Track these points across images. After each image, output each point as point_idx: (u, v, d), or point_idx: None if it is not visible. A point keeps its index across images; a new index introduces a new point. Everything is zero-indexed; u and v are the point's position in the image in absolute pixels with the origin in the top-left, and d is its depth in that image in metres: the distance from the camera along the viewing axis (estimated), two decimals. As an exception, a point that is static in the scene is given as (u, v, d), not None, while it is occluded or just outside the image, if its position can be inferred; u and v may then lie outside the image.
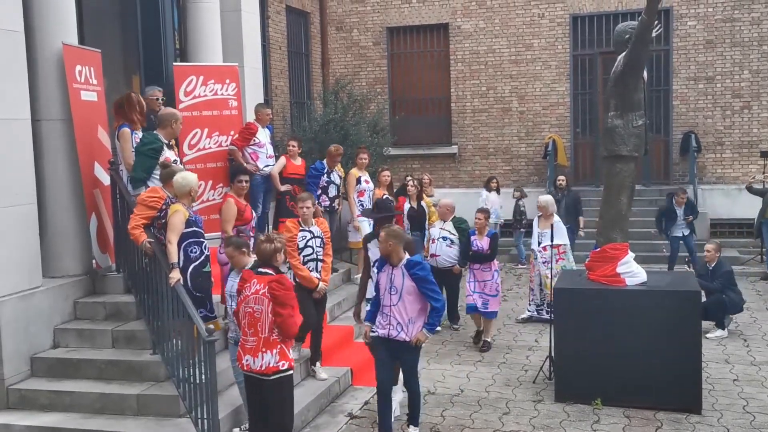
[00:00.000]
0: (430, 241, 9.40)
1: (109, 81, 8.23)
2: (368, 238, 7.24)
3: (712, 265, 9.25)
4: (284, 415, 5.40)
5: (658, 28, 6.98)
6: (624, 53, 7.03)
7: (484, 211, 9.12)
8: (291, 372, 5.43)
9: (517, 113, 15.91)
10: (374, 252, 6.79)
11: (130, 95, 7.52)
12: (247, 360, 5.31)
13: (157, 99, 8.18)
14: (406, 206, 10.41)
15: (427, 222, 10.77)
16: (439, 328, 8.68)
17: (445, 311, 9.18)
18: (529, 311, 10.03)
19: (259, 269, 5.44)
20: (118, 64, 10.02)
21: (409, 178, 11.18)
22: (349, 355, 8.13)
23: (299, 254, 7.21)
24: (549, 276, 9.59)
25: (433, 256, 9.25)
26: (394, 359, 6.16)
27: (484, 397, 7.24)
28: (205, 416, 5.60)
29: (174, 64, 9.30)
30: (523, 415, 6.75)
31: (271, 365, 5.24)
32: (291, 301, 5.33)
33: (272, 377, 5.27)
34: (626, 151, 7.17)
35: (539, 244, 9.78)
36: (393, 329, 6.02)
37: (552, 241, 8.96)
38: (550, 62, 15.67)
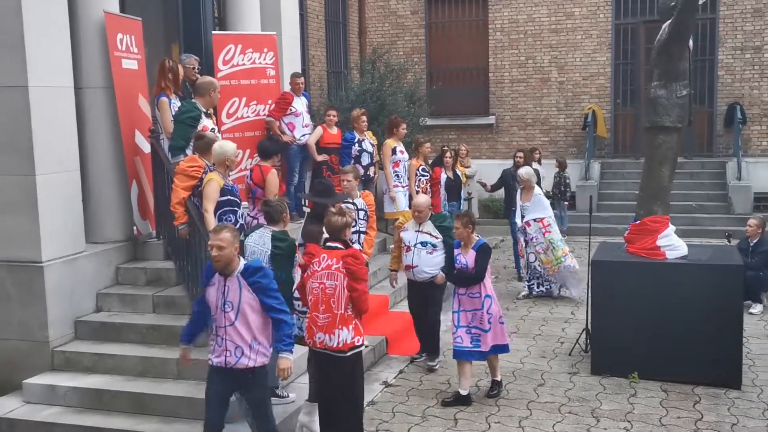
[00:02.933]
0: (405, 250, 7.13)
1: (149, 49, 8.29)
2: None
3: (754, 241, 9.07)
4: (357, 390, 5.36)
5: (705, -5, 6.81)
6: (669, 21, 6.87)
7: (463, 217, 6.57)
8: (364, 347, 5.33)
9: (557, 83, 15.68)
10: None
11: (164, 61, 7.58)
12: (320, 337, 5.18)
13: (194, 68, 8.22)
14: (443, 177, 10.37)
15: (462, 190, 10.73)
16: (404, 369, 7.26)
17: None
18: (529, 287, 9.78)
19: (328, 243, 5.32)
20: (158, 32, 10.07)
21: (445, 148, 11.12)
22: (384, 324, 8.17)
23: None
24: (541, 251, 9.48)
25: (408, 268, 7.12)
26: (230, 394, 5.00)
27: (519, 368, 7.24)
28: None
29: (213, 32, 9.32)
30: (558, 387, 6.75)
31: (348, 342, 5.14)
32: (365, 275, 5.20)
33: (348, 353, 5.17)
34: (669, 122, 7.04)
35: (522, 218, 9.61)
36: (231, 355, 4.78)
37: (533, 214, 9.14)
38: (591, 31, 15.38)
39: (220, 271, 4.78)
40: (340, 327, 5.14)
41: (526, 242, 9.62)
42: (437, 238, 7.00)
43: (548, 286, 9.73)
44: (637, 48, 15.20)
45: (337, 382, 5.28)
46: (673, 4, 6.89)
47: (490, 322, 6.40)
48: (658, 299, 6.74)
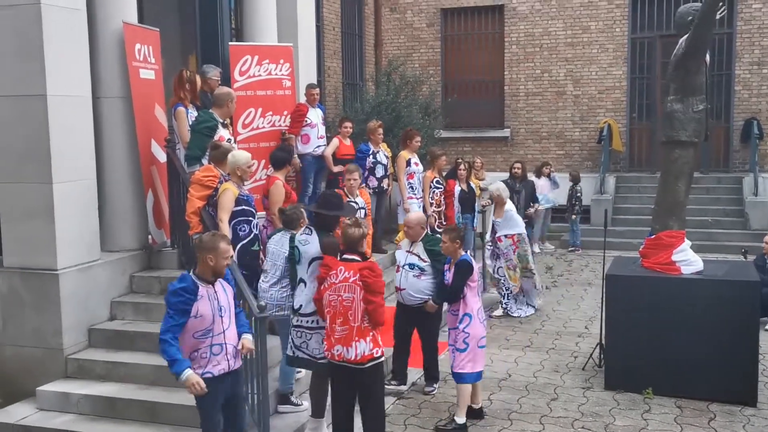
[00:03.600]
0: (396, 269, 6.87)
1: (166, 60, 8.37)
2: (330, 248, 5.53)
3: (771, 258, 9.00)
4: (378, 401, 5.34)
5: (722, 10, 6.78)
6: (686, 35, 6.84)
7: (451, 231, 6.32)
8: (383, 358, 5.31)
9: (572, 97, 15.67)
10: (308, 249, 5.67)
11: (182, 72, 7.66)
12: (338, 350, 5.17)
13: (217, 80, 8.29)
14: (457, 189, 10.37)
15: (476, 203, 10.74)
16: (404, 389, 6.98)
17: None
18: (503, 307, 9.52)
19: (345, 256, 5.29)
20: (175, 43, 10.17)
21: (459, 160, 11.14)
22: (398, 336, 8.14)
23: None
24: (511, 267, 9.37)
25: (397, 289, 6.80)
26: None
27: (532, 382, 7.19)
28: (255, 391, 5.68)
29: (230, 43, 9.39)
30: (572, 401, 6.70)
31: (366, 354, 5.13)
32: (382, 288, 5.20)
33: (367, 365, 5.17)
34: (685, 137, 7.00)
35: (495, 233, 9.48)
36: (231, 358, 4.88)
37: (505, 230, 9.06)
38: (607, 45, 15.37)
39: (210, 281, 4.83)
40: (357, 339, 5.13)
41: (497, 256, 9.47)
42: (425, 261, 6.59)
43: (510, 306, 9.50)
44: (654, 62, 15.18)
45: (358, 394, 5.27)
46: (690, 18, 6.87)
47: (466, 342, 6.04)
48: (673, 314, 6.68)
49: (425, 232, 6.77)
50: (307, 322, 5.62)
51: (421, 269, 6.61)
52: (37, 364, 6.73)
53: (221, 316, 4.84)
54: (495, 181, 9.96)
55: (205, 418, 4.93)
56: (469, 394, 6.15)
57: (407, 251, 6.71)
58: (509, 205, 9.52)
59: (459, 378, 6.11)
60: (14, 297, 6.77)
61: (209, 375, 4.81)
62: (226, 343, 4.86)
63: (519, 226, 9.50)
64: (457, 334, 6.10)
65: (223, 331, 4.84)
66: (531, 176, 13.45)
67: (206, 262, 4.79)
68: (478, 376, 6.18)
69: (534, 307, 9.65)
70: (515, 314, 9.45)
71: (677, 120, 6.98)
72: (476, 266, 6.22)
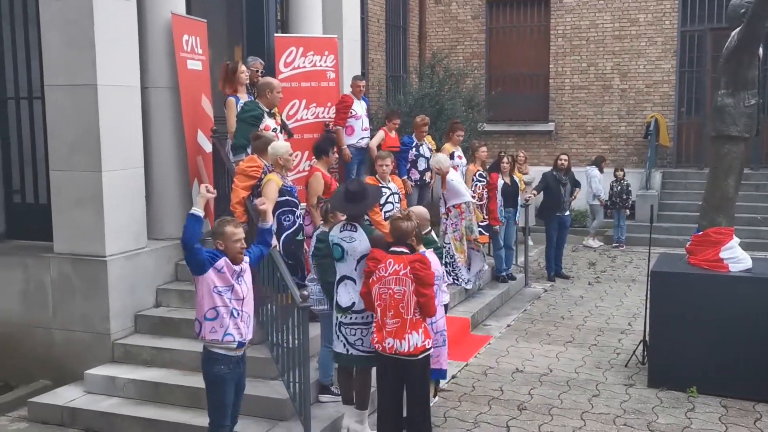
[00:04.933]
0: None
1: (213, 51, 8.47)
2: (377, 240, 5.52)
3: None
4: (426, 391, 5.39)
5: (777, 2, 6.60)
6: (739, 29, 6.69)
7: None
8: (433, 349, 5.38)
9: (619, 91, 15.44)
10: (355, 246, 5.55)
11: (224, 63, 7.77)
12: (389, 342, 5.17)
13: (258, 71, 8.36)
14: (500, 182, 10.30)
15: (519, 197, 10.68)
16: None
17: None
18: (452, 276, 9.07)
19: (393, 248, 5.26)
20: (221, 34, 10.26)
21: (502, 153, 11.07)
22: (438, 328, 8.13)
23: (381, 210, 7.30)
24: (457, 239, 9.02)
25: None
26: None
27: (574, 378, 7.13)
28: (297, 380, 5.73)
29: (275, 35, 9.46)
30: (614, 398, 6.63)
31: (418, 345, 5.15)
32: (432, 280, 5.20)
33: (419, 357, 5.20)
34: (736, 132, 6.85)
35: (445, 204, 9.10)
36: (248, 328, 5.07)
37: (452, 201, 8.88)
38: (656, 38, 15.10)
39: (234, 261, 4.95)
40: (410, 332, 5.13)
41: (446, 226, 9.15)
42: None
43: (460, 278, 9.18)
44: (704, 55, 14.85)
45: (409, 385, 5.29)
46: (743, 11, 6.72)
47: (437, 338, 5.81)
48: (719, 312, 6.56)
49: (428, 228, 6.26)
50: (362, 318, 5.53)
51: None
52: (86, 349, 6.89)
53: (239, 284, 4.95)
54: (437, 154, 9.47)
55: (215, 403, 5.01)
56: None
57: None
58: (451, 175, 9.08)
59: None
60: (64, 283, 6.94)
61: (230, 337, 4.91)
62: (243, 311, 4.97)
63: (463, 195, 9.11)
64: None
65: (243, 298, 4.97)
66: (593, 170, 13.36)
67: (217, 247, 4.94)
68: (441, 373, 6.09)
69: (472, 280, 9.33)
70: (467, 286, 9.24)
71: (728, 114, 6.84)
72: (438, 267, 5.70)
